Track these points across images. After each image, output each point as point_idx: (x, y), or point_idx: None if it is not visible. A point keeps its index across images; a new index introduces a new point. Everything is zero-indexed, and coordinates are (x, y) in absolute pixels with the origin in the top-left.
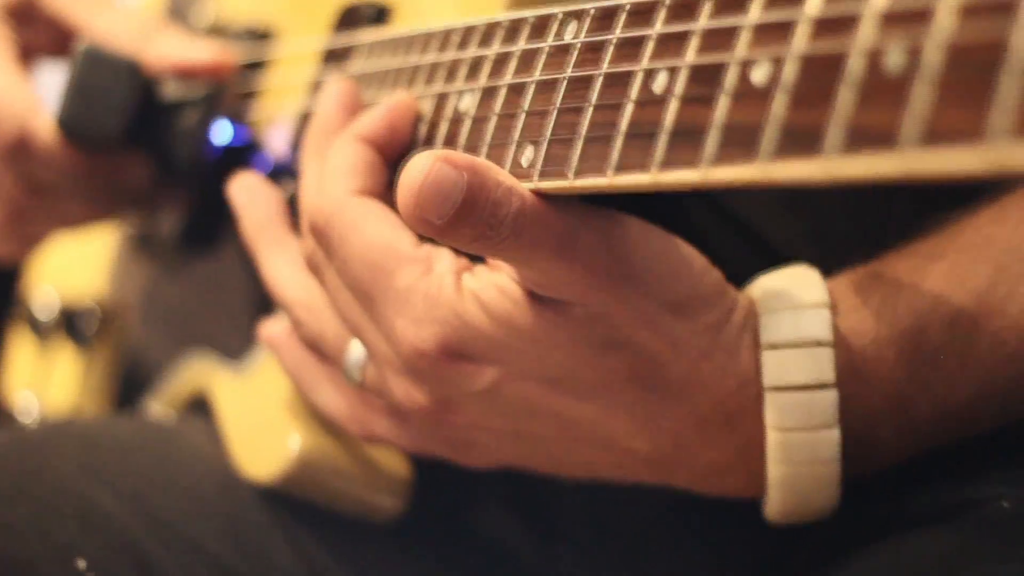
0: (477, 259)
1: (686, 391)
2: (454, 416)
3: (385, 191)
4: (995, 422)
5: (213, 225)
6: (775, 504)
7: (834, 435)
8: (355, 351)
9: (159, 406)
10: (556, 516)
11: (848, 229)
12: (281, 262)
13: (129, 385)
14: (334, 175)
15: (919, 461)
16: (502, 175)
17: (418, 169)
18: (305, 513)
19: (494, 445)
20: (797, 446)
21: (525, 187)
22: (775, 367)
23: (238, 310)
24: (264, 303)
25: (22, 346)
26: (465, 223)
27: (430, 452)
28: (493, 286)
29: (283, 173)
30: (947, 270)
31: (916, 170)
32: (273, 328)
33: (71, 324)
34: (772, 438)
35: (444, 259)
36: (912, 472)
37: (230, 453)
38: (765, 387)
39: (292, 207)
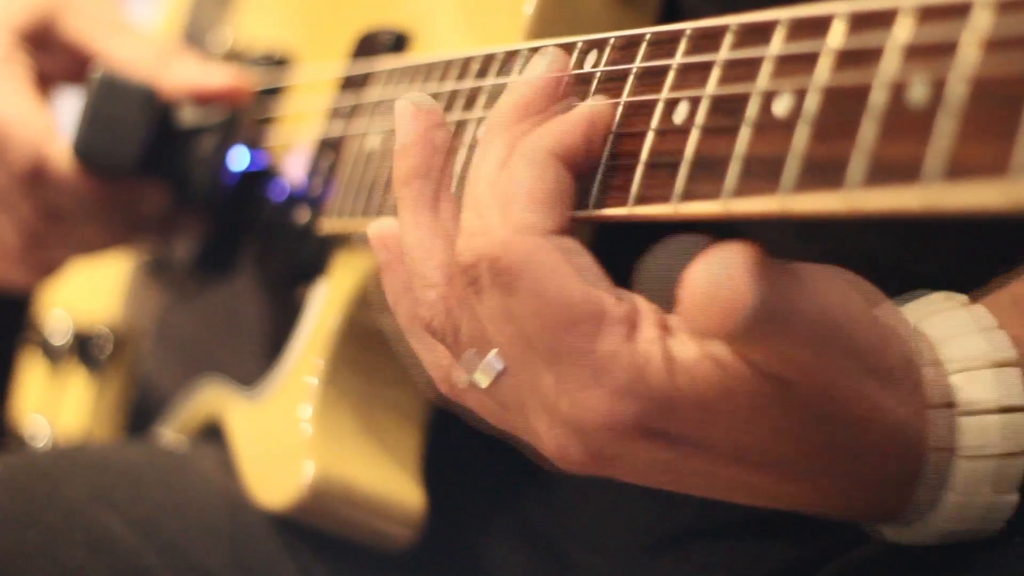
0: None
1: (876, 460)
2: (609, 471)
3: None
4: None
5: (228, 251)
6: (905, 538)
7: (1013, 500)
8: (491, 360)
9: (171, 432)
10: (567, 549)
11: (863, 254)
12: (431, 228)
13: (141, 411)
14: (527, 203)
15: None
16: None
17: (744, 295)
18: (315, 541)
19: (634, 478)
20: (973, 508)
21: None
22: (973, 436)
23: (252, 337)
24: (278, 330)
25: (34, 370)
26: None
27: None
28: (710, 360)
29: (300, 200)
30: None
31: (939, 204)
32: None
33: (84, 349)
34: (951, 499)
35: (648, 319)
36: None
37: (243, 480)
38: (960, 455)
39: None
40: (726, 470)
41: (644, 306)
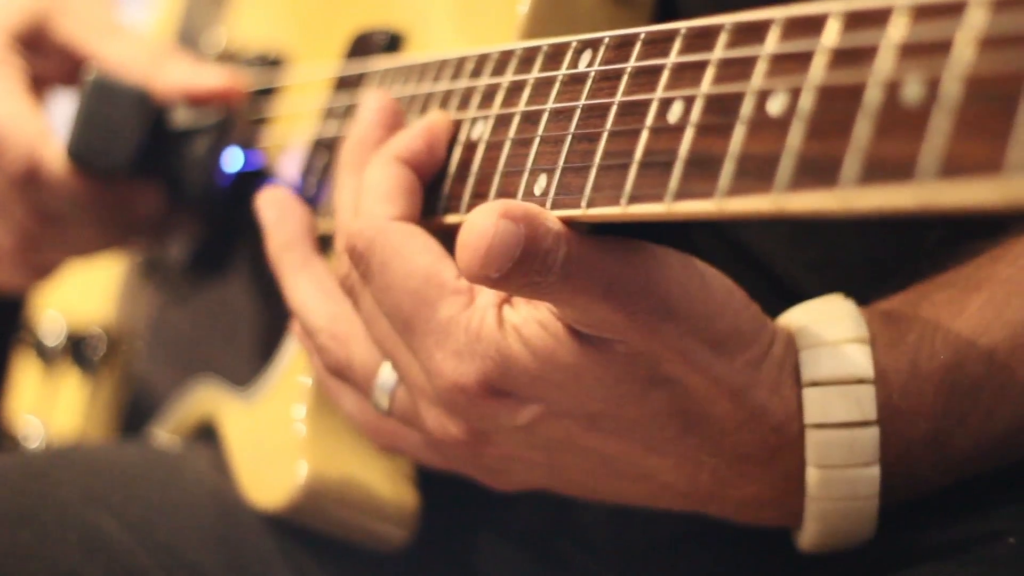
0: None
1: (727, 428)
2: (488, 448)
3: (421, 214)
4: None
5: (222, 252)
6: (810, 536)
7: (874, 472)
8: (384, 379)
9: (165, 433)
10: (561, 548)
11: (854, 258)
12: (307, 286)
13: (135, 412)
14: (374, 197)
15: (931, 495)
16: (551, 221)
17: (483, 229)
18: (308, 541)
19: (525, 473)
20: (837, 483)
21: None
22: (817, 405)
23: (245, 337)
24: (272, 331)
25: (28, 371)
26: (519, 272)
27: (456, 471)
28: (535, 321)
29: None
30: (984, 303)
31: (933, 202)
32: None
33: (77, 350)
34: (812, 475)
35: (486, 291)
36: (924, 505)
37: (237, 481)
38: (807, 424)
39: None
40: (587, 437)
41: None
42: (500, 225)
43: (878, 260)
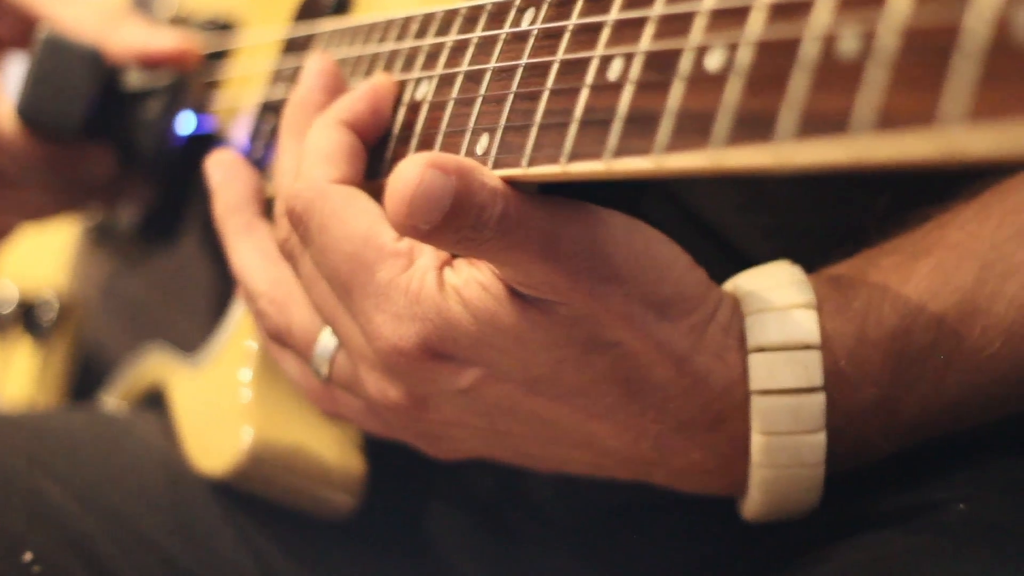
0: None
1: (670, 394)
2: (428, 413)
3: (364, 177)
4: (979, 420)
5: (173, 217)
6: (755, 505)
7: (820, 439)
8: (323, 344)
9: (114, 399)
10: (511, 519)
11: (807, 224)
12: (250, 249)
13: (86, 378)
14: (315, 159)
15: (879, 462)
16: (487, 176)
17: (408, 177)
18: (255, 508)
19: (467, 440)
20: (782, 450)
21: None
22: (763, 371)
23: (196, 303)
24: (222, 296)
25: None
26: (451, 227)
27: (398, 439)
28: (476, 283)
29: None
30: (933, 268)
31: (868, 156)
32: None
33: (29, 317)
34: (757, 441)
35: (426, 253)
36: (872, 473)
37: (184, 446)
38: (752, 391)
39: None
40: (528, 402)
41: (424, 244)
42: (427, 174)
43: (830, 226)
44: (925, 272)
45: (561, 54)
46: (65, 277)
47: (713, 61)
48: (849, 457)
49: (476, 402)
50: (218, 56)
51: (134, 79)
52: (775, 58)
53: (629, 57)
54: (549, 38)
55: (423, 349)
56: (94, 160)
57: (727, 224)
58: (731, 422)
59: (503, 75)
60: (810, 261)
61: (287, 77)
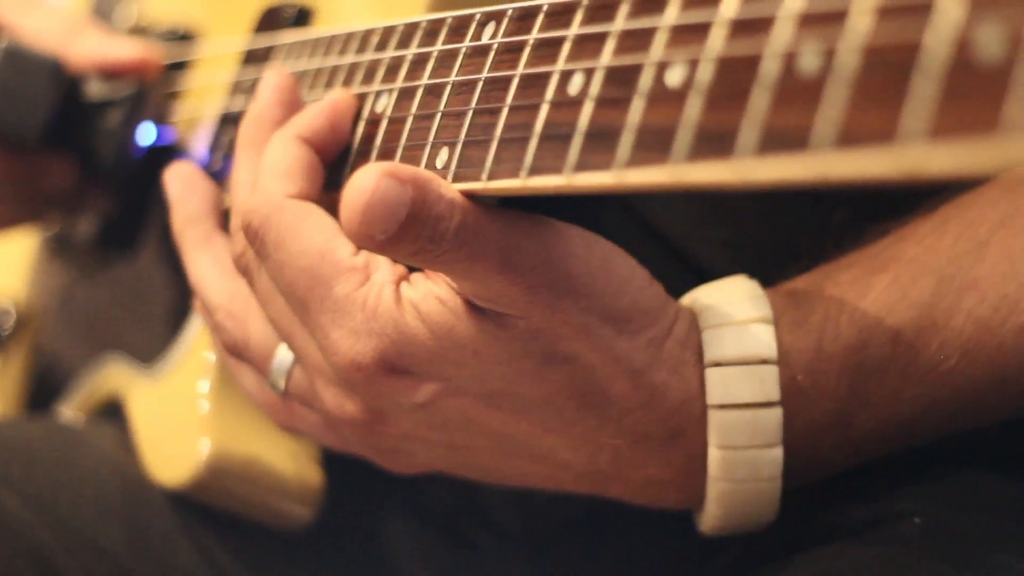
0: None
1: (627, 407)
2: (386, 427)
3: (322, 193)
4: (936, 435)
5: (132, 228)
6: (712, 519)
7: (777, 453)
8: (280, 359)
9: (71, 410)
10: (465, 529)
11: (766, 238)
12: (207, 262)
13: (43, 388)
14: (272, 175)
15: (836, 476)
16: (444, 187)
17: (363, 186)
18: (212, 520)
19: (424, 454)
20: (739, 464)
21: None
22: (719, 385)
23: (154, 314)
24: (181, 308)
25: None
26: (407, 237)
27: (355, 453)
28: (433, 297)
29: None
30: (890, 283)
31: (828, 173)
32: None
33: None
34: (714, 456)
35: (383, 268)
36: (829, 486)
37: (141, 458)
38: (709, 405)
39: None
40: (485, 416)
41: (381, 258)
42: (382, 183)
43: (788, 241)
44: (883, 287)
45: (521, 68)
46: (23, 287)
47: (674, 77)
48: (805, 471)
49: (433, 416)
50: (178, 67)
51: (95, 89)
52: (736, 74)
53: (590, 72)
54: (510, 52)
55: (380, 364)
56: (54, 170)
57: (686, 238)
58: (688, 436)
59: (463, 89)
60: (768, 275)
61: (246, 89)
